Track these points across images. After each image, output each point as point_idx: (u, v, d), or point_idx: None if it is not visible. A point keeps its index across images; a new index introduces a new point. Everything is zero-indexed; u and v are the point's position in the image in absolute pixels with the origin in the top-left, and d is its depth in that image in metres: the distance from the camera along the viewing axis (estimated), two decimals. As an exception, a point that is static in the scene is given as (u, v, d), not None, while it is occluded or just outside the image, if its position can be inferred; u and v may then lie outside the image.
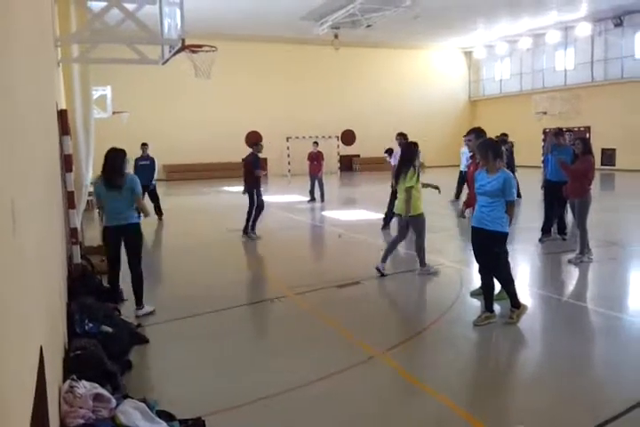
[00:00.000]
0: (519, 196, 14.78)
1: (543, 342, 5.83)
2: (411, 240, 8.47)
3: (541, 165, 13.02)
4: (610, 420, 3.91)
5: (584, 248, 8.64)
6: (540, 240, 10.29)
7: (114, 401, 3.64)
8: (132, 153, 12.50)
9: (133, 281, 6.66)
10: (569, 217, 10.52)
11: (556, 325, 6.15)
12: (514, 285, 6.08)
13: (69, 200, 7.13)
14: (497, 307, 6.21)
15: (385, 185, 14.83)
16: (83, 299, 5.63)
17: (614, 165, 28.82)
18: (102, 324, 5.20)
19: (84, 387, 3.57)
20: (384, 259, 8.20)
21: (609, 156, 29.04)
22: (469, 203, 6.88)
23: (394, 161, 12.78)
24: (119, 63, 8.85)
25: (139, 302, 6.66)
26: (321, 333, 5.95)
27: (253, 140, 31.56)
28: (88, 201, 9.96)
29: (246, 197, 11.69)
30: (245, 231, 11.54)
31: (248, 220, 11.56)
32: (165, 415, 3.81)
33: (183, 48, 7.63)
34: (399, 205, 8.23)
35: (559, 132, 10.36)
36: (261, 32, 29.35)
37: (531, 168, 25.57)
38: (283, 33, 29.76)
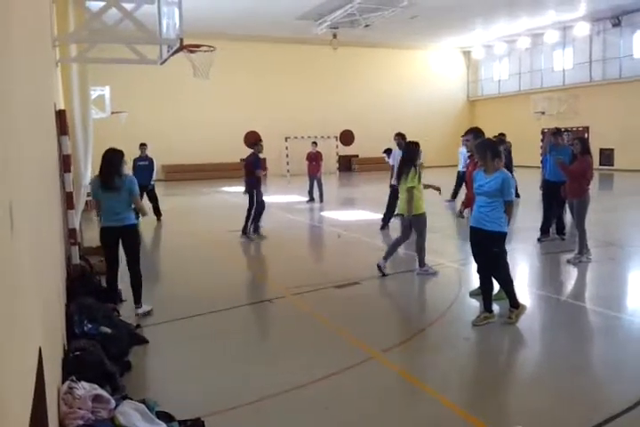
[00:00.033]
0: (517, 196, 14.79)
1: (542, 341, 5.83)
2: (411, 240, 8.47)
3: (540, 165, 13.02)
4: (609, 419, 3.92)
5: (583, 248, 8.65)
6: (539, 240, 10.29)
7: (113, 402, 3.64)
8: (131, 153, 12.54)
9: (132, 280, 6.67)
10: (567, 217, 10.52)
11: (555, 324, 6.16)
12: (513, 285, 6.08)
13: (68, 201, 7.12)
14: (496, 307, 6.20)
15: (383, 185, 14.84)
16: (82, 300, 5.62)
17: (613, 165, 28.84)
18: (101, 325, 5.20)
19: (84, 388, 3.57)
20: (386, 257, 8.20)
21: (607, 156, 29.06)
22: (468, 203, 6.88)
23: (392, 161, 12.78)
24: (117, 63, 8.85)
25: (137, 301, 6.67)
26: (320, 333, 5.95)
27: (252, 140, 31.70)
28: (87, 201, 9.95)
29: (246, 197, 11.69)
30: (244, 231, 11.53)
31: (247, 220, 11.54)
32: (165, 416, 3.80)
33: (181, 48, 7.64)
34: (401, 206, 8.24)
35: (557, 132, 10.37)
36: (260, 32, 29.35)
37: (529, 168, 25.59)
38: (281, 33, 29.76)
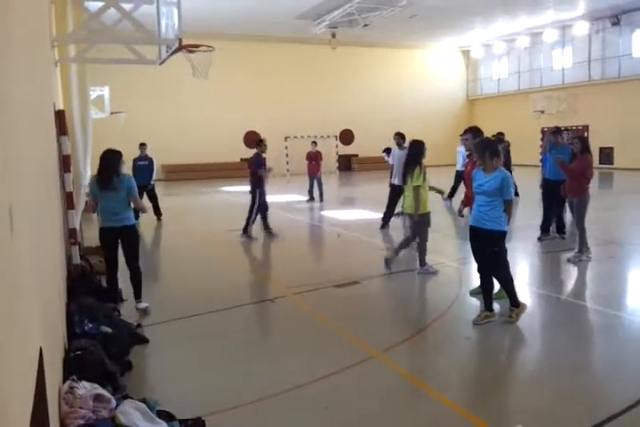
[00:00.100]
0: (517, 194, 14.79)
1: (542, 340, 5.83)
2: (401, 240, 8.49)
3: (540, 164, 13.03)
4: (609, 418, 3.92)
5: (583, 247, 8.65)
6: (539, 239, 10.30)
7: (114, 402, 3.64)
8: (130, 153, 12.55)
9: (132, 277, 6.74)
10: (567, 216, 10.53)
11: (555, 323, 6.16)
12: (513, 284, 6.08)
13: (68, 201, 7.12)
14: (496, 306, 6.21)
15: (383, 184, 14.84)
16: (82, 299, 5.62)
17: (612, 163, 28.85)
18: (102, 324, 5.20)
19: (84, 387, 3.57)
20: (396, 253, 8.23)
21: (607, 154, 29.06)
22: (467, 202, 6.88)
23: (392, 160, 12.77)
24: (116, 63, 8.85)
25: (138, 296, 6.74)
26: (320, 332, 5.95)
27: (252, 139, 31.72)
28: (87, 201, 9.95)
29: (248, 197, 11.67)
30: (245, 231, 11.52)
31: (248, 219, 11.52)
32: (165, 415, 3.81)
33: (180, 48, 7.62)
34: (407, 205, 8.23)
35: (557, 131, 10.37)
36: (259, 31, 29.34)
37: (529, 167, 25.60)
38: (280, 32, 29.75)
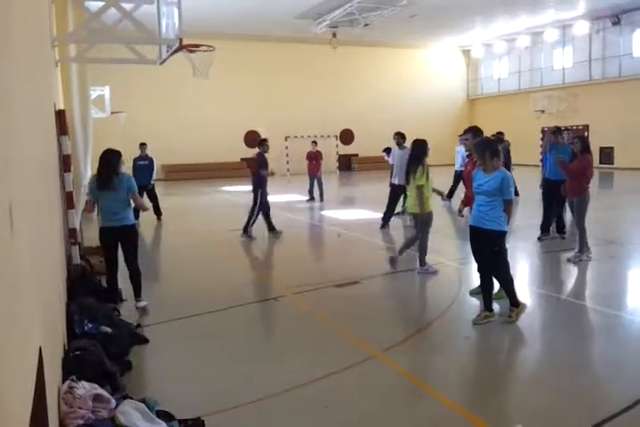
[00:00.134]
0: (517, 194, 14.79)
1: (542, 340, 5.83)
2: (406, 239, 8.49)
3: (540, 163, 13.03)
4: (609, 418, 3.92)
5: (583, 247, 8.65)
6: (539, 239, 10.29)
7: (113, 402, 3.64)
8: (130, 153, 12.57)
9: (131, 276, 6.78)
10: (568, 216, 10.52)
11: (555, 323, 6.16)
12: (513, 284, 6.08)
13: (68, 200, 7.13)
14: (496, 306, 6.20)
15: (383, 184, 14.84)
16: (82, 299, 5.62)
17: (613, 163, 28.83)
18: (102, 324, 5.20)
19: (84, 388, 3.57)
20: (400, 252, 8.26)
21: (607, 154, 29.05)
22: (467, 202, 6.88)
23: (392, 160, 12.77)
24: (117, 63, 8.85)
25: (138, 295, 6.79)
26: (320, 332, 5.95)
27: (252, 139, 31.73)
28: (87, 201, 9.95)
29: (249, 197, 11.66)
30: (245, 230, 11.51)
31: (249, 219, 11.51)
32: (165, 415, 3.81)
33: (181, 48, 7.63)
34: (410, 204, 8.22)
35: (557, 131, 10.36)
36: (259, 31, 29.33)
37: (529, 167, 25.60)
38: (281, 32, 29.74)
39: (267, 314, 7.07)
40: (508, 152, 14.57)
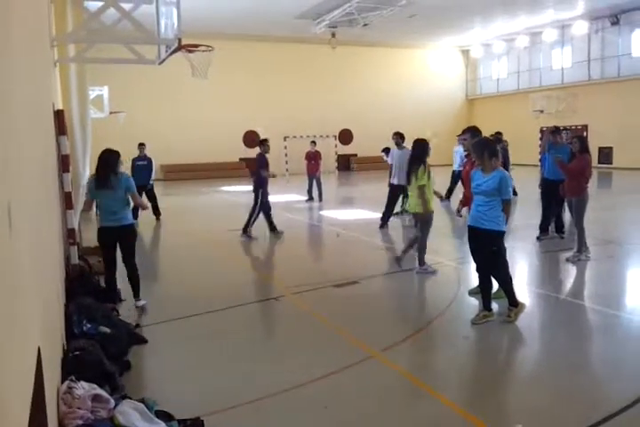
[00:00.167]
0: (515, 193, 14.80)
1: (541, 340, 5.84)
2: (409, 239, 8.49)
3: (539, 163, 13.03)
4: (608, 417, 3.92)
5: (582, 246, 8.66)
6: (538, 238, 10.30)
7: (112, 402, 3.64)
8: (129, 153, 12.56)
9: (129, 274, 6.81)
10: (566, 215, 10.53)
11: (554, 323, 6.17)
12: (511, 283, 6.08)
13: (67, 201, 7.12)
14: (495, 305, 6.21)
15: (382, 184, 14.85)
16: (81, 300, 5.62)
17: (611, 163, 28.86)
18: (100, 324, 5.20)
19: (83, 388, 3.57)
20: (405, 252, 8.32)
21: (606, 154, 29.07)
22: (466, 202, 6.88)
23: (391, 160, 12.78)
24: (116, 63, 8.84)
25: (137, 294, 6.81)
26: (319, 332, 5.95)
27: (251, 139, 31.74)
28: (85, 201, 9.95)
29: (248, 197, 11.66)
30: (245, 230, 11.50)
31: (249, 219, 11.50)
32: (164, 415, 3.81)
33: (180, 48, 7.63)
34: (412, 204, 8.21)
35: (556, 131, 10.36)
36: (258, 31, 29.32)
37: (528, 167, 25.60)
38: (280, 32, 29.74)
39: (266, 314, 7.07)
40: (506, 152, 14.57)
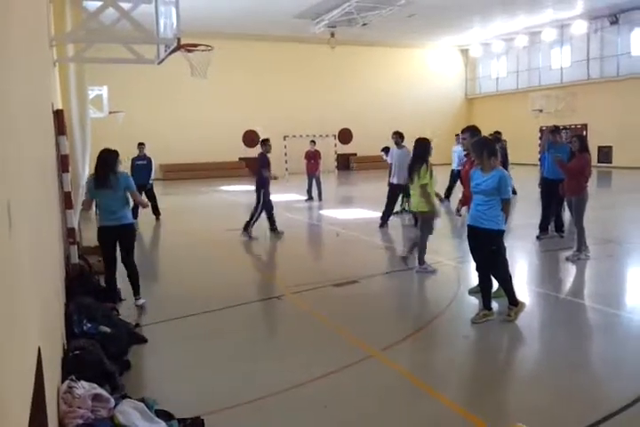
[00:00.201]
0: (514, 193, 14.79)
1: (541, 339, 5.84)
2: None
3: (538, 162, 13.02)
4: (608, 417, 3.92)
5: (581, 245, 8.66)
6: (538, 238, 10.30)
7: (112, 401, 3.64)
8: (128, 153, 12.55)
9: (129, 272, 6.84)
10: (566, 215, 10.53)
11: (554, 322, 6.17)
12: (511, 282, 6.08)
13: (66, 200, 7.12)
14: (495, 305, 6.21)
15: (382, 183, 14.84)
16: (81, 299, 5.62)
17: (611, 162, 28.86)
18: (100, 324, 5.20)
19: (83, 387, 3.57)
20: (410, 250, 8.36)
21: (605, 153, 29.08)
22: (465, 201, 6.88)
23: (390, 159, 12.78)
24: (115, 63, 8.84)
25: (137, 293, 6.85)
26: (319, 332, 5.95)
27: (250, 138, 31.75)
28: (83, 201, 9.95)
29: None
30: (246, 228, 11.49)
31: (251, 218, 11.50)
32: (164, 415, 3.81)
33: (179, 47, 7.62)
34: (414, 203, 8.20)
35: (556, 130, 10.36)
36: (257, 31, 29.32)
37: (527, 166, 25.60)
38: (279, 32, 29.74)
39: (265, 313, 7.06)
40: (505, 151, 14.57)
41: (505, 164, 13.27)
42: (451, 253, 9.75)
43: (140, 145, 14.41)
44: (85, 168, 8.47)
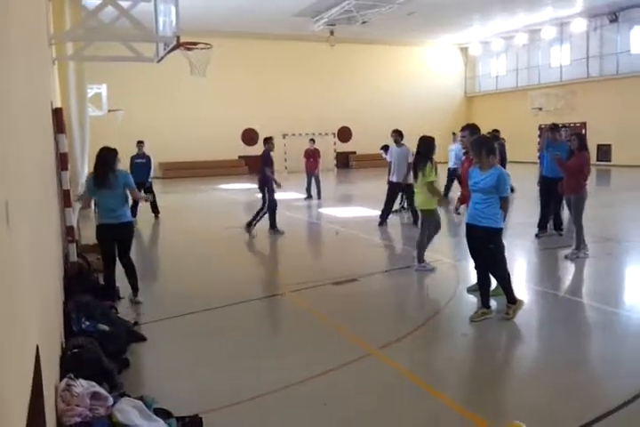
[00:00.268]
0: (512, 190, 14.78)
1: (539, 337, 5.84)
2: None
3: (537, 161, 13.03)
4: (606, 414, 3.93)
5: (580, 244, 8.66)
6: (537, 236, 10.31)
7: (111, 399, 3.65)
8: (128, 151, 12.55)
9: (126, 269, 6.87)
10: (565, 213, 10.54)
11: (553, 320, 6.18)
12: (510, 281, 6.08)
13: (65, 199, 7.13)
14: (493, 303, 6.22)
15: (381, 182, 14.85)
16: (79, 297, 5.62)
17: (610, 160, 28.87)
18: (99, 322, 5.20)
19: (82, 385, 3.57)
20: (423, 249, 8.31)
21: (605, 151, 29.08)
22: (464, 200, 6.88)
23: (389, 158, 12.78)
24: (114, 61, 8.85)
25: (135, 288, 6.90)
26: (318, 330, 5.96)
27: (249, 137, 31.76)
28: (81, 195, 9.95)
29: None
30: (249, 225, 11.48)
31: (256, 215, 11.50)
32: (162, 413, 3.81)
33: (178, 46, 7.61)
34: (419, 201, 8.18)
35: (555, 128, 10.36)
36: (257, 29, 29.30)
37: (527, 164, 25.59)
38: (278, 30, 29.71)
39: (265, 312, 7.07)
40: (503, 148, 14.56)
41: (503, 162, 13.28)
42: (449, 252, 9.76)
43: (140, 143, 14.39)
44: (84, 166, 8.47)
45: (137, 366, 5.06)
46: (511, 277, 6.14)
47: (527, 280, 7.85)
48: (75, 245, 7.49)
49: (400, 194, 13.10)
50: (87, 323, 5.06)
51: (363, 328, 5.88)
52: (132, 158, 13.96)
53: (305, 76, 33.02)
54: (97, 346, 4.53)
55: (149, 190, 14.02)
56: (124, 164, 7.53)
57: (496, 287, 6.31)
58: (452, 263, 8.80)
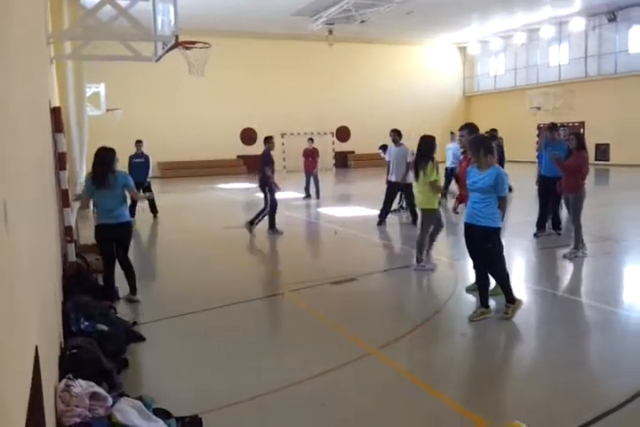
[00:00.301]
0: (510, 190, 14.79)
1: (538, 336, 5.85)
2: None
3: (536, 160, 13.04)
4: (605, 414, 3.93)
5: (578, 243, 8.66)
6: (535, 235, 10.31)
7: (110, 400, 3.64)
8: (126, 150, 12.54)
9: (125, 268, 6.88)
10: (563, 212, 10.55)
11: (551, 319, 6.18)
12: (508, 280, 6.09)
13: (64, 198, 7.12)
14: (492, 302, 6.22)
15: (380, 181, 14.85)
16: (78, 297, 5.61)
17: (608, 160, 28.89)
18: (98, 322, 5.19)
19: (81, 386, 3.57)
20: (428, 249, 8.30)
21: (603, 151, 29.10)
22: (462, 199, 6.88)
23: (388, 157, 12.77)
24: (112, 60, 8.85)
25: (133, 288, 6.91)
26: (317, 329, 5.96)
27: (248, 136, 31.74)
28: (79, 195, 9.95)
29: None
30: (251, 223, 11.47)
31: (259, 214, 11.49)
32: (162, 413, 3.81)
33: (177, 45, 7.61)
34: (421, 200, 8.17)
35: (553, 128, 10.36)
36: (255, 28, 29.28)
37: (525, 163, 25.60)
38: (277, 29, 29.69)
39: (264, 311, 7.06)
40: (501, 148, 14.57)
41: (501, 161, 13.28)
42: (448, 251, 9.76)
43: (138, 143, 14.37)
44: (83, 166, 8.46)
45: (136, 366, 5.06)
46: (510, 276, 6.15)
47: (526, 280, 7.85)
48: (73, 245, 7.48)
49: (399, 193, 13.10)
50: (86, 323, 5.06)
51: (362, 328, 5.88)
52: (131, 158, 13.94)
53: (303, 75, 33.00)
54: (96, 346, 4.52)
55: (148, 190, 14.01)
56: (122, 163, 7.52)
57: (495, 287, 6.31)
58: (451, 263, 8.81)
